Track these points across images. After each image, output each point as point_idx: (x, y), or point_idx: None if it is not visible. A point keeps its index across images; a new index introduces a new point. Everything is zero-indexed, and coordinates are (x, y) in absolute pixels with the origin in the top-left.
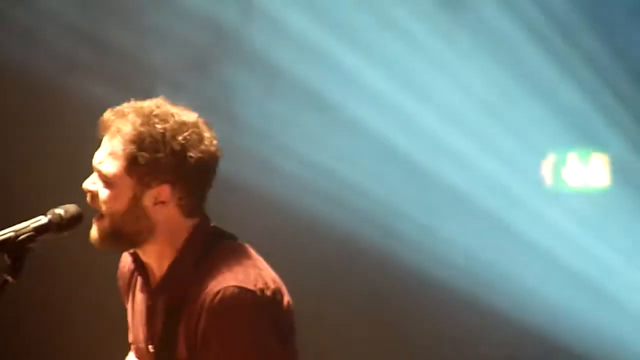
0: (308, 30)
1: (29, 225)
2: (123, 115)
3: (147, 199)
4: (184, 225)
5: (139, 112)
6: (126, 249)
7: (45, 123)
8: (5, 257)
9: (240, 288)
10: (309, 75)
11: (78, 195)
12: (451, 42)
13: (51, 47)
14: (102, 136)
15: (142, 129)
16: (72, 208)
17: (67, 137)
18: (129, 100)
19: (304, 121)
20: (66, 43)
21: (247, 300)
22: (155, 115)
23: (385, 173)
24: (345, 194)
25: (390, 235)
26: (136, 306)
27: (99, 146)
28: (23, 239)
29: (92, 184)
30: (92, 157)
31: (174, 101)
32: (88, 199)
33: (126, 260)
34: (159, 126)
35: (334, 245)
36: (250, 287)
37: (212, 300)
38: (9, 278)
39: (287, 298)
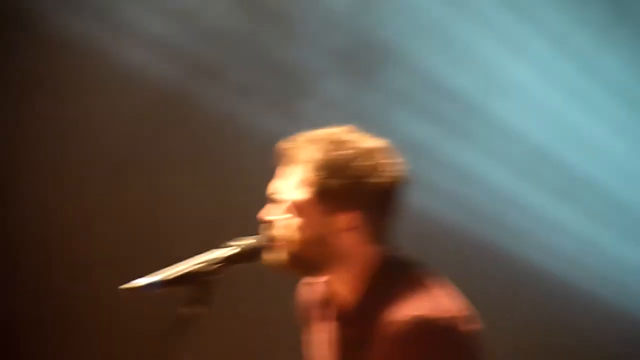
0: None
1: (220, 256)
2: (309, 142)
3: (336, 227)
4: (371, 253)
5: (324, 139)
6: (312, 275)
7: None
8: (195, 287)
9: (427, 317)
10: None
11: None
12: (595, 36)
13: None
14: (282, 165)
15: (331, 156)
16: (263, 239)
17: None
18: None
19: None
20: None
21: (434, 328)
22: (343, 142)
23: (540, 180)
24: (500, 208)
25: (551, 252)
26: (320, 336)
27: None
28: (215, 270)
29: (274, 213)
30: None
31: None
32: (264, 229)
33: (305, 290)
34: (346, 152)
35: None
36: (438, 315)
37: (398, 330)
38: (199, 310)
39: (473, 326)
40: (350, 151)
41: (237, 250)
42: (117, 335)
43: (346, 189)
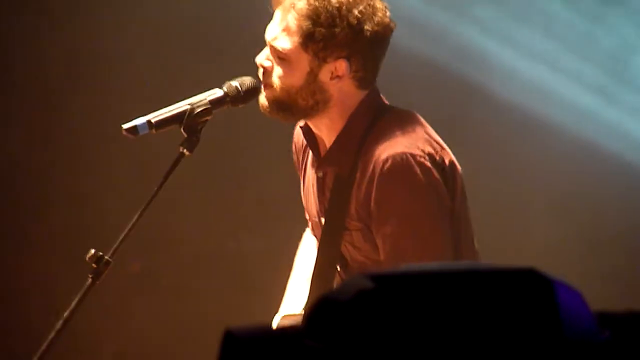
0: None
1: (205, 99)
2: None
3: (324, 74)
4: (356, 97)
5: None
6: (296, 120)
7: None
8: (182, 130)
9: (409, 154)
10: None
11: None
12: None
13: None
14: (274, 9)
15: (317, 3)
16: (248, 80)
17: None
18: None
19: None
20: None
21: (416, 166)
22: None
23: None
24: None
25: None
26: (308, 180)
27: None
28: (199, 112)
29: (265, 59)
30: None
31: None
32: (260, 73)
33: (299, 135)
34: (334, 0)
35: None
36: (418, 152)
37: (381, 168)
38: (185, 151)
39: (455, 162)
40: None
41: (221, 93)
42: None
43: (332, 37)
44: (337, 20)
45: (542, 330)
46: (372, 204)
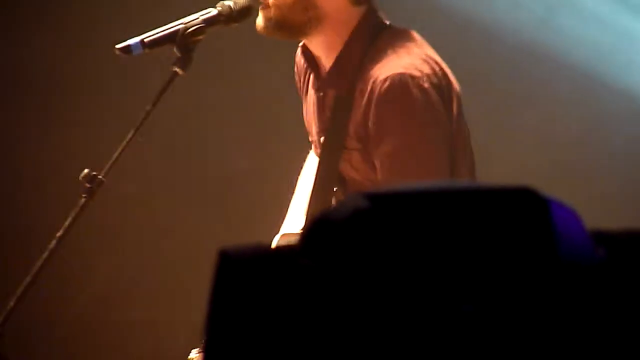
0: None
1: (198, 17)
2: None
3: None
4: (352, 14)
5: None
6: (293, 38)
7: None
8: (175, 49)
9: (407, 75)
10: None
11: None
12: None
13: None
14: None
15: None
16: (241, 0)
17: None
18: None
19: None
20: None
21: (414, 87)
22: None
23: None
24: None
25: None
26: (309, 99)
27: None
28: (192, 31)
29: None
30: None
31: None
32: None
33: (300, 56)
34: None
35: None
36: (416, 73)
37: (379, 89)
38: (178, 70)
39: (454, 82)
40: None
41: (215, 12)
42: None
43: None
44: None
45: (536, 248)
46: (369, 124)
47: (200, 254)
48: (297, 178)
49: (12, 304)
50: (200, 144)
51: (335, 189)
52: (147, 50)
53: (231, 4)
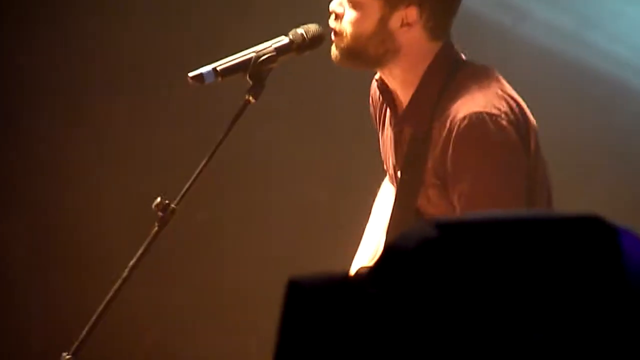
0: None
1: (270, 46)
2: None
3: (394, 21)
4: (429, 50)
5: None
6: (366, 68)
7: None
8: (247, 78)
9: (485, 113)
10: None
11: None
12: None
13: None
14: None
15: None
16: (313, 28)
17: None
18: None
19: None
20: None
21: (493, 125)
22: None
23: None
24: None
25: None
26: (386, 133)
27: None
28: (264, 60)
29: (338, 5)
30: None
31: None
32: (331, 20)
33: (375, 89)
34: None
35: None
36: (495, 111)
37: (457, 128)
38: (251, 98)
39: (531, 118)
40: None
41: (287, 40)
42: None
43: None
44: None
45: (605, 276)
46: (448, 162)
47: (274, 285)
48: (361, 207)
49: (85, 332)
50: (279, 174)
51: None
52: (219, 79)
53: (303, 32)
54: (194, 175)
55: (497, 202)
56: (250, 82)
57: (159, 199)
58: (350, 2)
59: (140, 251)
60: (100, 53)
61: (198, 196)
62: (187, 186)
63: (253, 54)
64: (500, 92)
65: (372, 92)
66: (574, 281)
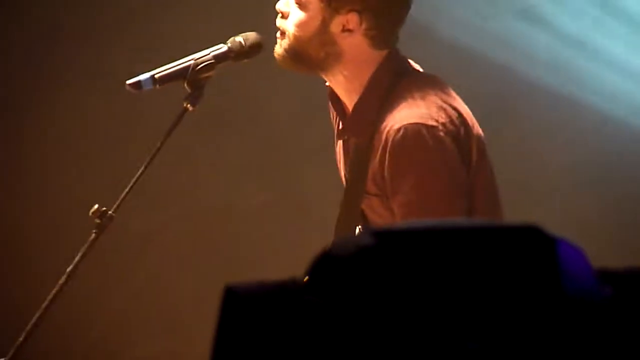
0: None
1: (209, 54)
2: None
3: (335, 26)
4: (372, 58)
5: None
6: (308, 72)
7: None
8: (185, 85)
9: (421, 125)
10: None
11: None
12: None
13: None
14: None
15: None
16: (252, 36)
17: None
18: None
19: None
20: None
21: (429, 137)
22: None
23: None
24: None
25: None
26: (338, 149)
27: None
28: (202, 68)
29: (284, 4)
30: None
31: None
32: (278, 18)
33: (330, 106)
34: None
35: None
36: (431, 122)
37: (393, 139)
38: (189, 106)
39: (474, 127)
40: None
41: (225, 48)
42: None
43: None
44: None
45: (541, 286)
46: (385, 173)
47: (210, 295)
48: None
49: (21, 338)
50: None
51: (357, 228)
52: (157, 86)
53: (242, 40)
54: (132, 183)
55: (433, 212)
56: (189, 90)
57: (96, 206)
58: (296, 2)
59: (77, 258)
60: (36, 58)
61: (135, 202)
62: (124, 193)
63: (191, 62)
64: (440, 103)
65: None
66: (510, 290)
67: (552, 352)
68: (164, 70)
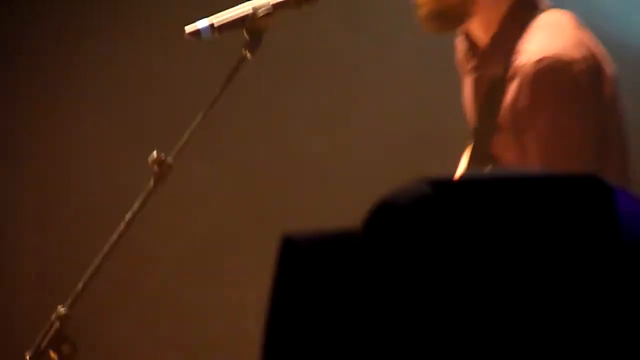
0: None
1: (267, 1)
2: None
3: None
4: None
5: None
6: (455, 26)
7: None
8: (244, 33)
9: (559, 59)
10: None
11: None
12: None
13: None
14: None
15: None
16: None
17: None
18: None
19: None
20: None
21: (565, 70)
22: None
23: None
24: None
25: None
26: (467, 87)
27: None
28: (262, 15)
29: None
30: None
31: None
32: None
33: (459, 48)
34: None
35: None
36: (569, 57)
37: (529, 72)
38: (248, 54)
39: (608, 68)
40: None
41: None
42: None
43: None
44: None
45: (600, 235)
46: (519, 106)
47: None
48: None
49: (80, 285)
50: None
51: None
52: (216, 34)
53: None
54: (189, 130)
55: (566, 147)
56: (248, 38)
57: (155, 154)
58: None
59: (135, 206)
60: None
61: (195, 151)
62: (183, 141)
63: (250, 10)
64: (577, 39)
65: (457, 44)
66: (570, 240)
67: (612, 301)
68: (223, 18)
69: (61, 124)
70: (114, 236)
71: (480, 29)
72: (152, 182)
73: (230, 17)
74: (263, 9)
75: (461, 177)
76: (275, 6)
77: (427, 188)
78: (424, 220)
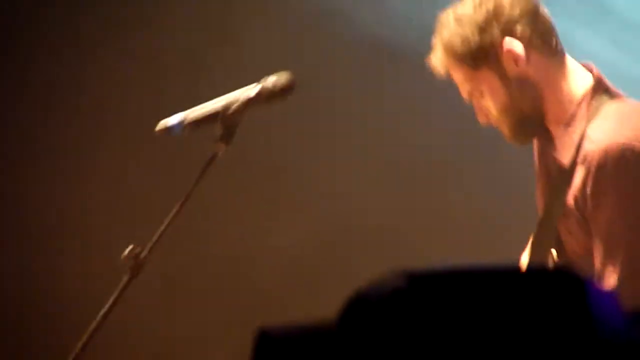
0: None
1: (239, 97)
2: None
3: (509, 67)
4: (558, 70)
5: None
6: (536, 130)
7: None
8: (217, 128)
9: (627, 146)
10: None
11: None
12: None
13: None
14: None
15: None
16: (283, 78)
17: None
18: None
19: None
20: None
21: (634, 159)
22: None
23: None
24: None
25: None
26: (539, 173)
27: None
28: (234, 111)
29: (483, 116)
30: None
31: None
32: (482, 118)
33: (535, 146)
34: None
35: None
36: (636, 144)
37: (598, 159)
38: (222, 146)
39: None
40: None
41: (256, 90)
42: None
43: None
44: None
45: (572, 328)
46: (588, 192)
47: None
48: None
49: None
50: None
51: (552, 253)
52: (187, 132)
53: (270, 85)
54: (164, 224)
55: (633, 236)
56: (221, 131)
57: (130, 247)
58: (476, 91)
59: (111, 301)
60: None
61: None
62: (157, 235)
63: (221, 107)
64: None
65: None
66: (541, 333)
67: None
68: (195, 115)
69: None
70: (87, 334)
71: (551, 121)
72: (125, 278)
73: (202, 114)
74: (234, 105)
75: (438, 270)
76: (247, 102)
77: (402, 281)
78: (395, 315)
